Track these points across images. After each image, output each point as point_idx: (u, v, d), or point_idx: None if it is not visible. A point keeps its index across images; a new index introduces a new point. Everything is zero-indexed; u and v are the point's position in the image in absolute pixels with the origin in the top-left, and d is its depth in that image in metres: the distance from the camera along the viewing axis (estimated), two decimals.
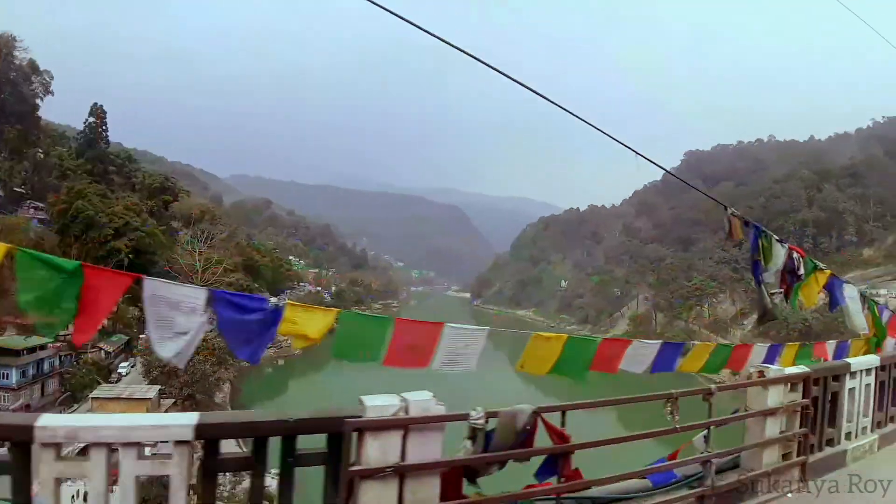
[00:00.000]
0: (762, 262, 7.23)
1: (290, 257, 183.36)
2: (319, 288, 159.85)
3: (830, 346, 8.02)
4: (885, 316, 8.60)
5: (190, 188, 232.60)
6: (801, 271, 7.47)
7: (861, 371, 6.29)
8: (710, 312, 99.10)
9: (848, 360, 6.61)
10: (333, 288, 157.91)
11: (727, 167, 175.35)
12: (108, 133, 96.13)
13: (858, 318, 7.87)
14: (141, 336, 54.43)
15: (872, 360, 6.64)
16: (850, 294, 7.86)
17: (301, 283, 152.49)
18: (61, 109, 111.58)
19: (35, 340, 47.66)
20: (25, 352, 48.22)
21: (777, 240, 7.42)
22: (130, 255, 68.17)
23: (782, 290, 7.44)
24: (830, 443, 5.96)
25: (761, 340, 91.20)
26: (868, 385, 6.43)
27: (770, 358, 6.79)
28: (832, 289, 7.84)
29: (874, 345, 8.22)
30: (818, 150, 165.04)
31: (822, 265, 7.92)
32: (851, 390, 6.19)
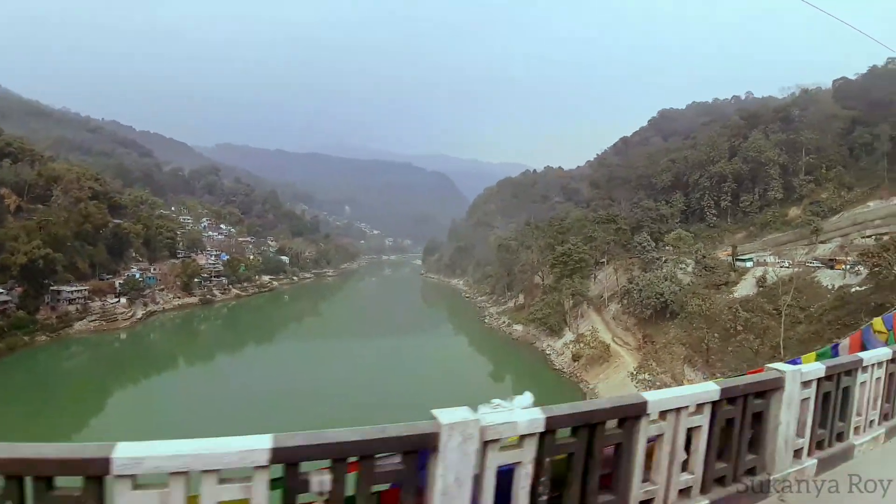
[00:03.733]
0: None
1: (205, 221, 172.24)
2: (222, 253, 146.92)
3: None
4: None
5: (156, 156, 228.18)
6: None
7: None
8: (584, 285, 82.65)
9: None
10: (226, 256, 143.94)
11: (688, 124, 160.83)
12: None
13: None
14: None
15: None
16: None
17: (192, 251, 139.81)
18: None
19: None
20: None
21: None
22: None
23: None
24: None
25: (627, 317, 75.42)
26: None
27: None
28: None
29: None
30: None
31: None
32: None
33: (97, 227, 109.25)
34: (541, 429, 3.35)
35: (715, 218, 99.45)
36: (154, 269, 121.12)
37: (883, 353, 6.43)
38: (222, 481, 2.73)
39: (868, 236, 68.69)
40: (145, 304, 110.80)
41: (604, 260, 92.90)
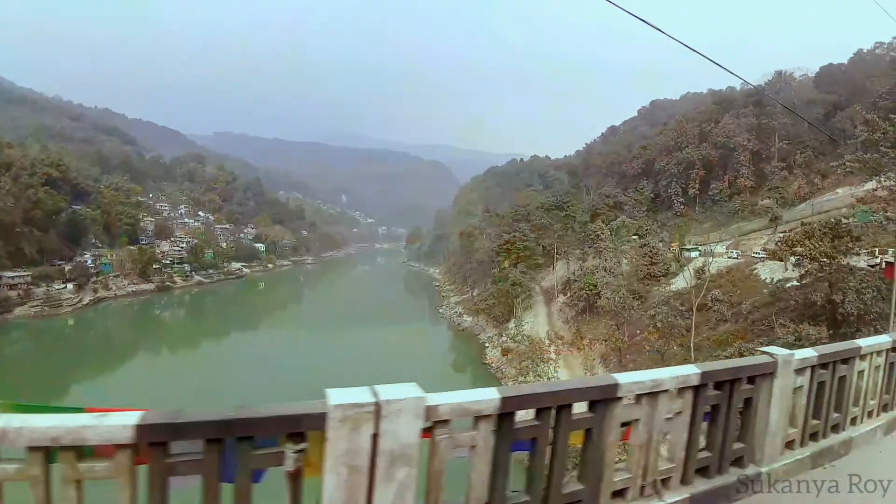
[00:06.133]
0: None
1: (182, 208, 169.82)
2: (191, 239, 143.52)
3: None
4: None
5: (146, 144, 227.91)
6: None
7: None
8: (530, 275, 78.04)
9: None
10: (195, 241, 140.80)
11: (677, 114, 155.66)
12: None
13: None
14: None
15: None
16: None
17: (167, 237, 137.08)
18: None
19: None
20: None
21: None
22: None
23: None
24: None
25: (569, 310, 70.90)
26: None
27: None
28: None
29: None
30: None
31: None
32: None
33: (49, 214, 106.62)
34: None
35: (682, 206, 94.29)
36: (111, 256, 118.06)
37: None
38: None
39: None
40: (95, 291, 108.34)
41: (566, 249, 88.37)
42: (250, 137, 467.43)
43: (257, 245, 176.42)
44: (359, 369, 54.87)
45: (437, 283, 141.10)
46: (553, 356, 57.85)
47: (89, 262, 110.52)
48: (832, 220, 41.23)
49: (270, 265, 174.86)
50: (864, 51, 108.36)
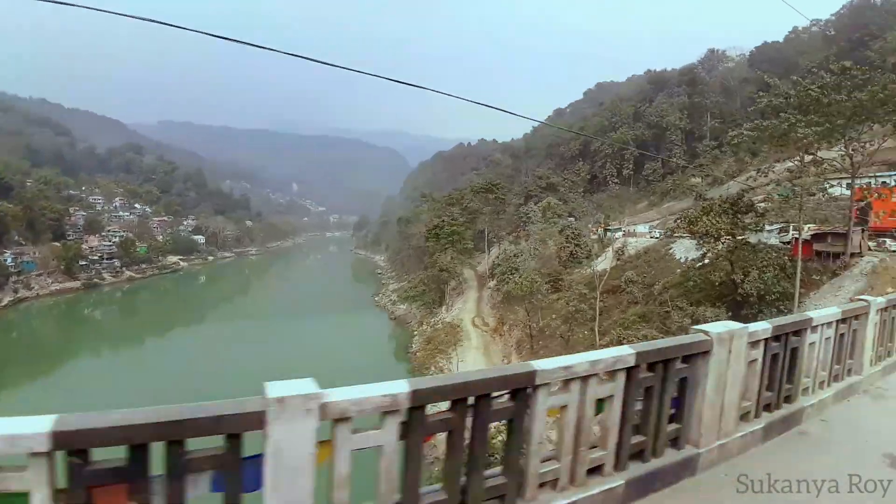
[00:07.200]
0: None
1: (117, 201, 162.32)
2: (125, 233, 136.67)
3: None
4: None
5: (83, 134, 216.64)
6: None
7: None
8: (458, 260, 75.59)
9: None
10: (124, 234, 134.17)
11: (622, 96, 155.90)
12: None
13: None
14: None
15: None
16: None
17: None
18: None
19: None
20: None
21: None
22: None
23: None
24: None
25: (497, 295, 68.88)
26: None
27: None
28: None
29: None
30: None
31: None
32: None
33: None
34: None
35: (617, 186, 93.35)
36: (34, 253, 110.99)
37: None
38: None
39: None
40: (15, 291, 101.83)
41: (499, 233, 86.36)
42: (196, 126, 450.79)
43: (197, 237, 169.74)
44: (289, 365, 51.84)
45: (381, 271, 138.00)
46: (472, 342, 55.98)
47: (9, 260, 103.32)
48: (734, 195, 39.71)
49: (210, 258, 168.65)
50: (800, 28, 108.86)
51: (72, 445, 2.27)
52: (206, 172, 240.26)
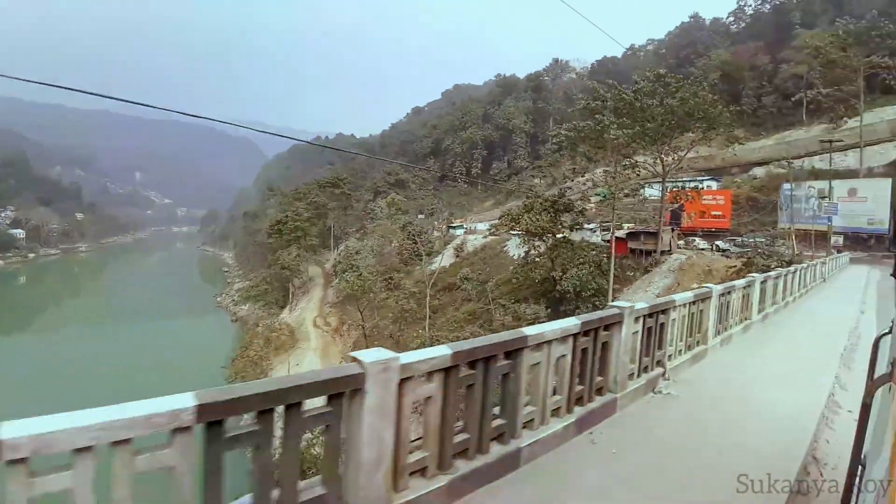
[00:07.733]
0: None
1: None
2: None
3: None
4: None
5: None
6: None
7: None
8: (302, 258, 71.97)
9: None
10: None
11: (479, 97, 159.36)
12: None
13: None
14: None
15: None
16: None
17: None
18: None
19: None
20: None
21: None
22: None
23: None
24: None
25: (339, 294, 65.85)
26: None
27: None
28: None
29: None
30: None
31: None
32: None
33: None
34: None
35: (466, 185, 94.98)
36: None
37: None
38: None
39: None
40: None
41: (345, 230, 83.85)
42: (25, 103, 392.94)
43: (15, 231, 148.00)
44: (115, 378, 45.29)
45: (227, 269, 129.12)
46: (311, 343, 53.44)
47: None
48: (555, 194, 41.10)
49: (32, 255, 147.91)
50: (637, 46, 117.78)
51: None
52: (32, 157, 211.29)
